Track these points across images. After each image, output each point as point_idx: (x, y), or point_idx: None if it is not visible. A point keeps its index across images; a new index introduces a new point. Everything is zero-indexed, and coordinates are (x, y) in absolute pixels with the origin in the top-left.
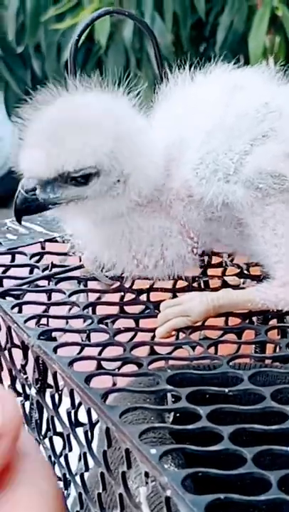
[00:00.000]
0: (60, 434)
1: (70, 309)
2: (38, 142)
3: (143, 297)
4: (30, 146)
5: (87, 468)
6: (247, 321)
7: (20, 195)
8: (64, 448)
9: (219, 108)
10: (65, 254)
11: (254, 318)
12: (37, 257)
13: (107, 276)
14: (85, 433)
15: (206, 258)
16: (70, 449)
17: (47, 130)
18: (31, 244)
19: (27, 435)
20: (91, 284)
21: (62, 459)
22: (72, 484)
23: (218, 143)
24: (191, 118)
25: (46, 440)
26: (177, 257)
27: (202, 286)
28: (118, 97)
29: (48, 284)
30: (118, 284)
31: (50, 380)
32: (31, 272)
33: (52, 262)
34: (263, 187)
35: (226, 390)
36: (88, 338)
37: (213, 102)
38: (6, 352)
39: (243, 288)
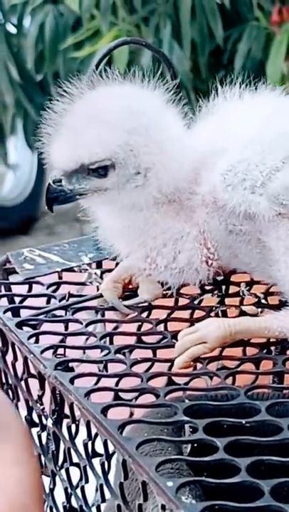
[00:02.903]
0: (77, 465)
1: (87, 339)
2: (63, 135)
3: (160, 327)
4: (57, 139)
5: (103, 500)
6: (265, 351)
7: (50, 186)
8: (80, 479)
9: (260, 125)
10: (82, 284)
11: (272, 348)
12: (54, 287)
13: (124, 306)
14: (102, 464)
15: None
16: (87, 481)
17: (70, 123)
18: (48, 273)
19: None
20: (108, 314)
21: (78, 491)
22: None
23: (251, 154)
24: (231, 130)
25: (63, 471)
26: (189, 263)
27: (220, 316)
28: (146, 91)
29: (65, 314)
30: (135, 313)
31: (66, 411)
32: (48, 301)
33: (69, 292)
34: (288, 204)
35: (243, 421)
36: (105, 368)
37: (255, 118)
38: (23, 382)
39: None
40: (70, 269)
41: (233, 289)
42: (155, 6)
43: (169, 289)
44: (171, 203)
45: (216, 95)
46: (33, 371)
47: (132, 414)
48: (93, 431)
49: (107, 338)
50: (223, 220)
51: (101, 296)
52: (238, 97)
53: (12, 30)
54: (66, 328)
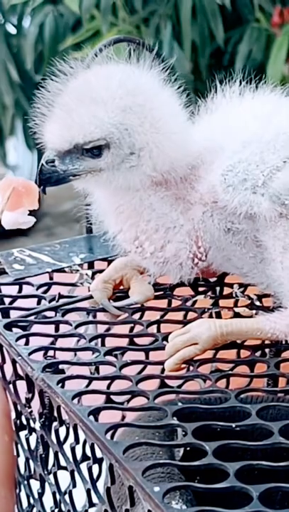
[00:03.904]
0: (66, 469)
1: (78, 341)
2: (56, 115)
3: (153, 329)
4: (50, 119)
5: (91, 505)
6: (259, 354)
7: (43, 167)
8: (69, 484)
9: (260, 123)
10: (73, 284)
11: (266, 351)
12: (44, 288)
13: (115, 307)
14: (89, 469)
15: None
16: (74, 485)
17: (64, 103)
18: (39, 274)
19: None
20: (100, 316)
21: (67, 496)
22: None
23: (251, 154)
24: (232, 128)
25: (51, 476)
26: (175, 255)
27: (213, 317)
28: (141, 69)
29: (56, 315)
30: (126, 315)
31: (55, 414)
32: (38, 302)
33: (59, 293)
34: None
35: (233, 425)
36: (97, 370)
37: (256, 117)
38: (11, 385)
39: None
40: (61, 270)
41: (226, 291)
42: (156, 6)
43: (161, 290)
44: (169, 187)
45: (215, 93)
46: (21, 373)
47: (124, 417)
48: (82, 435)
49: (99, 340)
50: (221, 219)
51: (92, 297)
52: (237, 95)
53: (12, 30)
54: (56, 329)
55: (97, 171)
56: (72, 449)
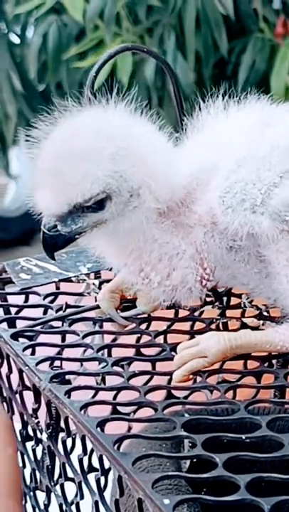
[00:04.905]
0: (73, 481)
1: (85, 351)
2: (44, 181)
3: (160, 339)
4: (38, 186)
5: None
6: (266, 365)
7: (45, 235)
8: (76, 495)
9: (252, 139)
10: (80, 294)
11: (273, 362)
12: (51, 298)
13: (122, 317)
14: (97, 480)
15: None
16: (82, 497)
17: (47, 167)
18: (45, 284)
19: None
20: (107, 325)
21: (73, 507)
22: None
23: (247, 173)
24: (223, 146)
25: (58, 487)
26: (183, 281)
27: (221, 328)
28: (112, 110)
29: (62, 325)
30: (133, 325)
31: (62, 425)
32: (45, 312)
33: (66, 303)
34: None
35: (243, 436)
36: (103, 381)
37: (247, 132)
38: (18, 395)
39: (263, 329)
40: (68, 280)
41: (234, 301)
42: (159, 16)
43: None
44: (168, 215)
45: (198, 111)
46: (28, 384)
47: (130, 428)
48: (89, 446)
49: (105, 350)
50: (222, 239)
51: (99, 307)
52: (222, 110)
53: (15, 40)
54: (63, 339)
55: (103, 223)
56: (80, 460)
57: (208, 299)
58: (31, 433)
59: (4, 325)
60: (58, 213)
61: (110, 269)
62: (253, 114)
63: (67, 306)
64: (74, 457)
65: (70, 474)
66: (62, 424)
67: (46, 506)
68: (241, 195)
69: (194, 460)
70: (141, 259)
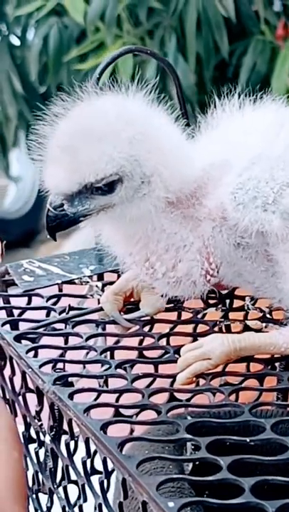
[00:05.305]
0: (75, 483)
1: (88, 353)
2: (57, 158)
3: (163, 341)
4: (50, 163)
5: None
6: (269, 367)
7: (50, 213)
8: (79, 498)
9: (267, 139)
10: (83, 296)
11: (276, 364)
12: (54, 300)
13: (125, 319)
14: (101, 483)
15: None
16: (85, 499)
17: (63, 144)
18: (48, 286)
19: None
20: (109, 328)
21: (76, 509)
22: None
23: (261, 171)
24: (238, 144)
25: (60, 489)
26: (188, 274)
27: (224, 330)
28: (131, 97)
29: (65, 327)
30: (136, 327)
31: (65, 427)
32: (48, 314)
33: (69, 305)
34: None
35: (248, 439)
36: (106, 383)
37: (262, 132)
38: (21, 397)
39: (266, 332)
40: (71, 282)
41: (237, 303)
42: (160, 18)
43: (171, 302)
44: (178, 206)
45: (214, 108)
46: (31, 386)
47: (132, 431)
48: (92, 448)
49: (108, 353)
50: (230, 234)
51: (102, 309)
52: (238, 109)
53: (16, 42)
54: (66, 341)
55: (110, 207)
56: (84, 463)
57: (211, 302)
58: (34, 435)
59: (7, 327)
60: (67, 191)
61: (114, 271)
62: (268, 114)
63: (70, 308)
64: (76, 459)
65: (73, 477)
66: (65, 427)
67: (49, 509)
68: (253, 192)
69: (196, 463)
70: (147, 248)
